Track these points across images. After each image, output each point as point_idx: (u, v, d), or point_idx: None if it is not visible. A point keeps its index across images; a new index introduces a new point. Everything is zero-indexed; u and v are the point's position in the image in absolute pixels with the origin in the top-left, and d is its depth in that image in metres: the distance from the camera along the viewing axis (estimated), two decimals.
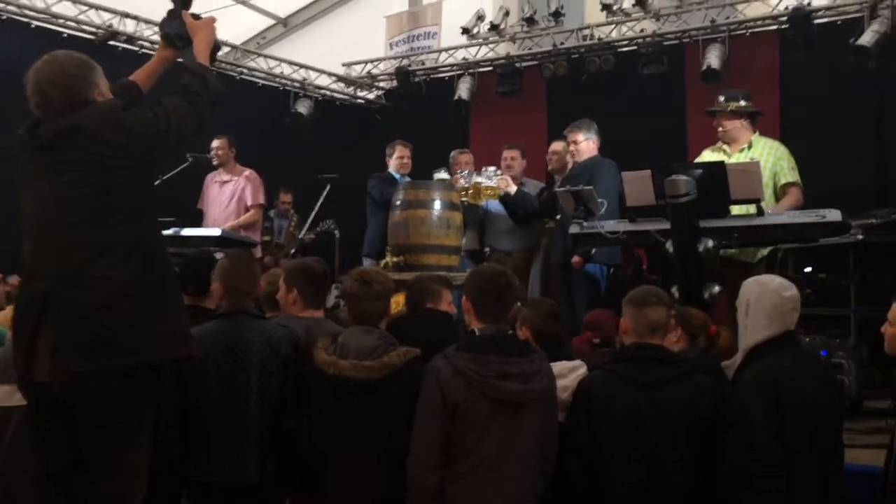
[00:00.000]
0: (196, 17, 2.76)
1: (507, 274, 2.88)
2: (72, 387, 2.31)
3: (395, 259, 5.09)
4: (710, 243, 4.06)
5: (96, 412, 2.34)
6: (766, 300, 2.83)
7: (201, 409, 2.82)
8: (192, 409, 2.83)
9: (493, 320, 2.76)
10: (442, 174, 5.74)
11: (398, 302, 4.81)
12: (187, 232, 5.66)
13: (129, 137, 2.42)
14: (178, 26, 2.73)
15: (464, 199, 5.55)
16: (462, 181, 5.66)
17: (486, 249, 6.17)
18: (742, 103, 4.86)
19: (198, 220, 6.53)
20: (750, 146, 4.79)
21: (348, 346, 2.75)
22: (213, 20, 2.77)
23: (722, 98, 4.93)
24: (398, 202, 5.26)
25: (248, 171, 6.62)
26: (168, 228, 5.44)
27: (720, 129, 4.90)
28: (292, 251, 6.90)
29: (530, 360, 2.70)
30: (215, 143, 6.46)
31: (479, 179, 5.69)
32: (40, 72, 2.48)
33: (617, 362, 2.87)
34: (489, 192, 5.69)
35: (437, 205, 5.15)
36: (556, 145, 5.98)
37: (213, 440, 2.80)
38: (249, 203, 6.56)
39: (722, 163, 4.28)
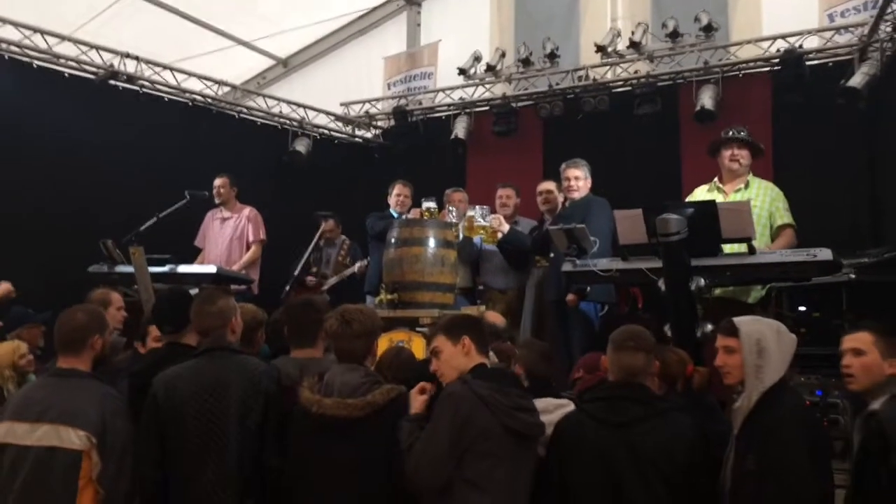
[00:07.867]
0: None
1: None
2: None
3: (389, 296, 5.06)
4: (703, 281, 4.07)
5: None
6: (784, 343, 2.77)
7: (179, 448, 2.80)
8: (171, 450, 2.81)
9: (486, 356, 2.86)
10: (430, 203, 5.71)
11: (392, 339, 4.82)
12: (183, 269, 5.68)
13: None
14: None
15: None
16: (449, 217, 5.66)
17: (480, 287, 6.17)
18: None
19: (192, 257, 6.55)
20: (747, 186, 4.83)
21: (333, 385, 2.77)
22: None
23: (743, 132, 4.96)
24: (393, 239, 5.24)
25: (248, 209, 6.70)
26: (164, 265, 5.48)
27: (739, 160, 4.90)
28: (334, 282, 6.79)
29: (528, 396, 2.82)
30: (217, 182, 6.60)
31: (471, 213, 5.71)
32: None
33: (591, 401, 2.85)
34: (481, 230, 5.70)
35: (432, 242, 5.13)
36: (549, 184, 5.94)
37: (192, 479, 2.78)
38: (251, 240, 6.61)
39: (713, 202, 4.30)
